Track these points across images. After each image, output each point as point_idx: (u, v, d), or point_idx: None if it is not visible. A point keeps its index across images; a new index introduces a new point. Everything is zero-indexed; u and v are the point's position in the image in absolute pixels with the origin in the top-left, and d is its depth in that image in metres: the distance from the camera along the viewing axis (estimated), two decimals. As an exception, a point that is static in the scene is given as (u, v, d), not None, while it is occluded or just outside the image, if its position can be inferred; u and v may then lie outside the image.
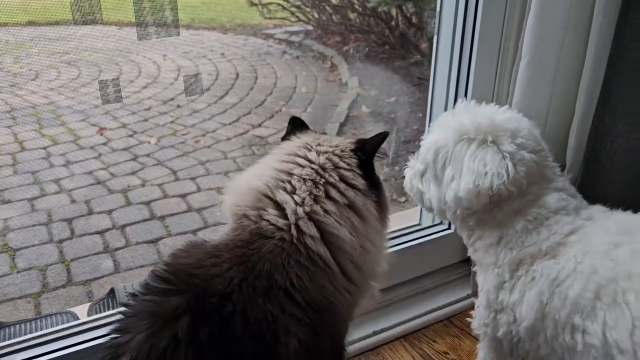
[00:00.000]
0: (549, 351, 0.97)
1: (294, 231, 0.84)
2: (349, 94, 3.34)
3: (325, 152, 0.93)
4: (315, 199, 0.87)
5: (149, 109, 3.03)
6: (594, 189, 1.26)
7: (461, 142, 1.03)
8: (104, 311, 1.29)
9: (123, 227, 2.14)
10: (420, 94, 3.25)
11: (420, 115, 3.08)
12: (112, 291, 1.38)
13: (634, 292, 0.86)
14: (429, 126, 1.51)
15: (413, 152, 1.17)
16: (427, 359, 1.35)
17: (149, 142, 2.74)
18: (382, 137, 0.95)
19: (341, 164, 0.92)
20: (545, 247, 0.98)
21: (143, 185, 2.40)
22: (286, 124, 1.04)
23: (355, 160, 0.93)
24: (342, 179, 0.90)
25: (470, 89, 1.37)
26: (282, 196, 0.87)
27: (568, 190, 1.05)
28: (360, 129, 2.98)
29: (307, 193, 0.87)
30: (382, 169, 2.47)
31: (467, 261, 1.60)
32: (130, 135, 2.78)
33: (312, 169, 0.90)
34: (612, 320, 0.87)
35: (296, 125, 1.02)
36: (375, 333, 1.40)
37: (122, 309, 0.81)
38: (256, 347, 0.76)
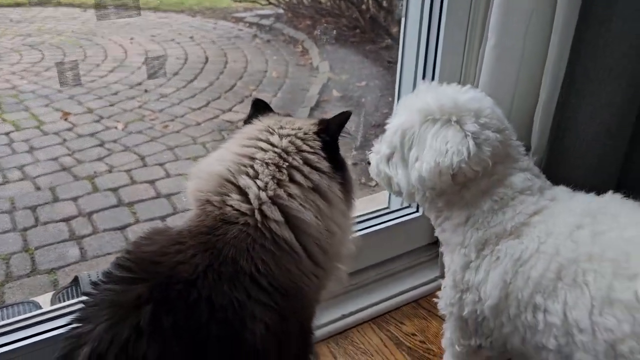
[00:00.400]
0: (512, 329, 0.99)
1: (258, 216, 0.83)
2: (320, 78, 3.32)
3: (288, 135, 0.91)
4: (279, 183, 0.86)
5: (115, 94, 2.96)
6: (558, 171, 1.28)
7: (426, 123, 1.03)
8: (68, 300, 1.27)
9: (90, 214, 2.09)
10: (390, 78, 3.24)
11: (390, 99, 3.08)
12: (76, 279, 1.35)
13: (593, 273, 0.87)
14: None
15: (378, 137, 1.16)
16: (395, 341, 1.36)
17: (115, 128, 2.68)
18: (345, 116, 0.94)
19: (304, 147, 0.91)
20: (510, 227, 0.98)
21: (110, 172, 2.36)
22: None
23: (319, 143, 0.92)
24: (306, 162, 0.89)
25: (437, 72, 1.37)
26: (244, 181, 0.85)
27: (532, 170, 1.05)
28: (331, 113, 2.96)
29: (270, 177, 0.86)
30: (351, 153, 2.47)
31: (435, 244, 1.61)
32: (97, 121, 2.72)
33: (275, 152, 0.89)
34: (573, 300, 0.88)
35: (259, 108, 1.01)
36: (343, 316, 1.40)
37: (84, 298, 0.79)
38: (222, 334, 0.75)
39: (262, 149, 0.89)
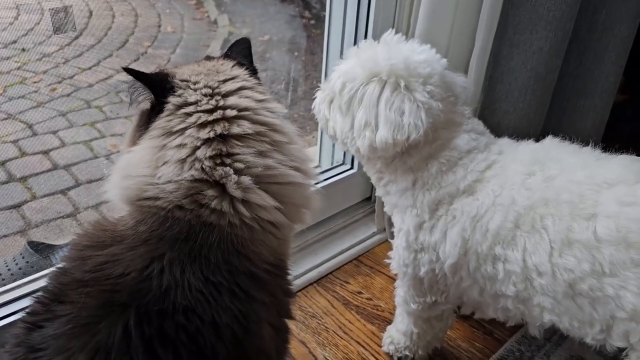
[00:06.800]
0: (471, 282, 0.99)
1: (243, 210, 0.71)
2: (220, 33, 3.14)
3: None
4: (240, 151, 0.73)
5: (-16, 54, 2.59)
6: (491, 118, 1.31)
7: (372, 83, 0.98)
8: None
9: (-26, 193, 1.83)
10: (294, 32, 3.15)
11: (297, 53, 3.00)
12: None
13: (551, 217, 0.89)
14: (326, 60, 1.45)
15: (319, 86, 1.10)
16: (343, 301, 1.34)
17: (-8, 93, 2.35)
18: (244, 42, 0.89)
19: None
20: (462, 186, 0.97)
21: (-8, 143, 2.07)
22: (153, 67, 0.89)
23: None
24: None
25: (371, 23, 1.32)
26: (217, 171, 0.72)
27: (477, 130, 1.04)
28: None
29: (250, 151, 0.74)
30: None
31: (369, 199, 1.60)
32: (-34, 86, 2.36)
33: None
34: (532, 245, 0.90)
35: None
36: (287, 281, 1.35)
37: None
38: (231, 351, 0.67)
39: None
